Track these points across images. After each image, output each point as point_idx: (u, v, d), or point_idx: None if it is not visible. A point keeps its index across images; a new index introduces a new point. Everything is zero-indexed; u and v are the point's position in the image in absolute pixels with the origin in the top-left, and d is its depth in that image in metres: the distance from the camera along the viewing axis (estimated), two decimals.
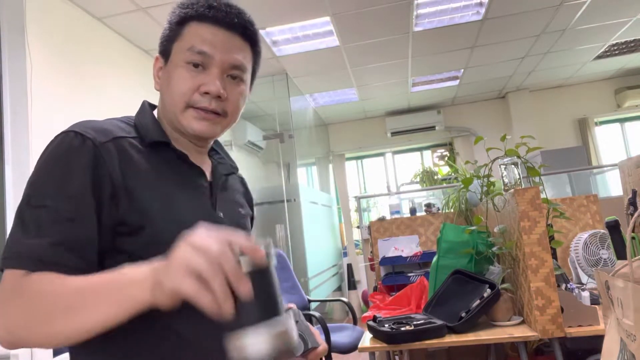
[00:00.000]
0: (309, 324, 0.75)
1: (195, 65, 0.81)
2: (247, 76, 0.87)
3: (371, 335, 1.82)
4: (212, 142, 0.94)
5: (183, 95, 0.80)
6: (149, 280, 0.60)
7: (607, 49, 4.92)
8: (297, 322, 0.73)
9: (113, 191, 0.72)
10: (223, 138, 4.85)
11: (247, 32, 0.85)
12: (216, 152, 0.99)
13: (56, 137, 0.75)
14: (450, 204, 2.92)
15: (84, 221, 0.69)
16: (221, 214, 0.86)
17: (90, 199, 0.70)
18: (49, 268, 0.66)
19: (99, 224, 0.71)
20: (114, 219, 0.72)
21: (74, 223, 0.69)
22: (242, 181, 1.07)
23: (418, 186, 6.17)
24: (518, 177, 1.95)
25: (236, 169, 1.01)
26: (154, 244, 0.71)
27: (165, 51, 0.85)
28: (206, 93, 0.80)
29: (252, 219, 1.05)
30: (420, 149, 6.90)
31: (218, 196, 0.87)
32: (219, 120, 0.84)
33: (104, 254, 0.72)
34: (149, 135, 0.82)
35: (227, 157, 1.01)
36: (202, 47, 0.80)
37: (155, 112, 0.90)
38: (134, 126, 0.84)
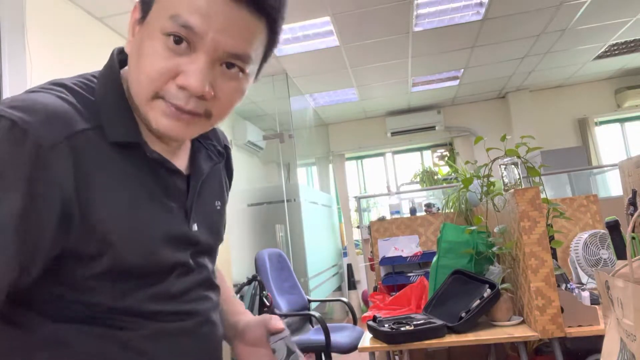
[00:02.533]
0: (300, 353, 0.75)
1: (177, 41, 0.57)
2: (252, 68, 0.63)
3: (371, 335, 1.82)
4: None
5: (151, 82, 0.58)
6: None
7: (607, 49, 4.92)
8: (293, 352, 0.73)
9: (63, 212, 0.54)
10: None
11: (264, 6, 0.59)
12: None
13: None
14: (450, 204, 2.92)
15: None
16: (195, 226, 0.70)
17: (21, 228, 0.51)
18: None
19: (32, 257, 0.53)
20: (61, 247, 0.55)
21: None
22: (226, 158, 0.85)
23: (418, 186, 6.17)
24: (518, 177, 1.95)
25: (224, 155, 0.81)
26: (113, 271, 0.59)
27: (146, 2, 0.60)
28: (183, 87, 0.58)
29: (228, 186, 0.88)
30: (420, 149, 6.90)
31: (195, 202, 0.70)
32: (197, 121, 0.61)
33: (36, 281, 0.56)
34: (113, 131, 0.60)
35: (216, 139, 0.81)
36: (190, 18, 0.55)
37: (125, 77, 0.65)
38: (93, 106, 0.60)
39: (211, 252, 0.76)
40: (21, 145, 0.51)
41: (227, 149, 0.84)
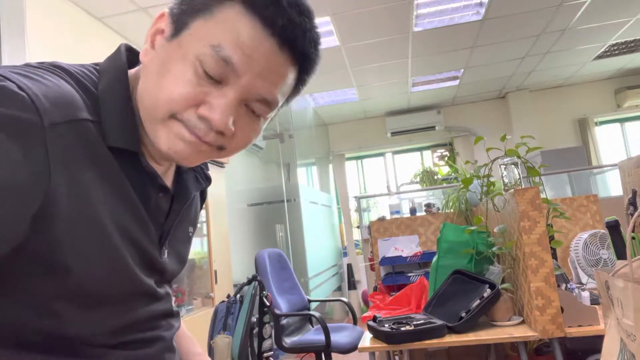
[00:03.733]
0: None
1: (209, 76, 0.54)
2: (274, 112, 0.61)
3: (371, 335, 1.82)
4: None
5: (171, 103, 0.54)
6: None
7: (607, 49, 4.92)
8: None
9: (42, 206, 0.48)
10: None
11: (305, 58, 0.57)
12: None
13: None
14: (450, 204, 2.92)
15: None
16: (166, 254, 0.66)
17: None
18: None
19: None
20: (23, 248, 0.48)
21: None
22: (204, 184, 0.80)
23: (418, 186, 6.17)
24: (518, 177, 1.95)
25: (210, 180, 0.77)
26: (74, 294, 0.53)
27: (181, 21, 0.55)
28: (205, 118, 0.55)
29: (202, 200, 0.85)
30: (420, 149, 6.90)
31: (173, 227, 0.66)
32: (210, 153, 0.59)
33: None
34: (113, 134, 0.55)
35: (204, 163, 0.76)
36: (233, 54, 0.52)
37: (132, 78, 0.61)
38: (96, 100, 0.56)
39: (171, 280, 0.73)
40: (19, 120, 0.45)
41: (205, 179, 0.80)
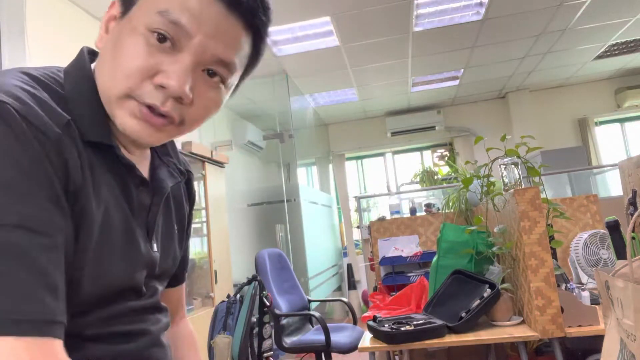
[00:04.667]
0: None
1: (162, 39, 0.54)
2: (234, 79, 0.61)
3: (371, 335, 1.82)
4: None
5: (127, 78, 0.54)
6: None
7: (607, 49, 4.92)
8: None
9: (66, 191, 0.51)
10: (223, 137, 4.86)
11: (255, 20, 0.58)
12: (164, 148, 0.74)
13: None
14: (450, 204, 2.92)
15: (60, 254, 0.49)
16: (155, 246, 0.66)
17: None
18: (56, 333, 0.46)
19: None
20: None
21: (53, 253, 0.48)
22: (188, 181, 0.81)
23: (418, 186, 6.17)
24: (518, 177, 1.95)
25: (185, 174, 0.75)
26: (70, 283, 0.52)
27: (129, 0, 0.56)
28: (162, 87, 0.54)
29: (189, 216, 0.83)
30: (420, 149, 6.90)
31: (156, 221, 0.66)
32: (168, 128, 0.58)
33: None
34: (88, 130, 0.55)
35: (177, 158, 0.76)
36: (181, 15, 0.53)
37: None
38: (65, 101, 0.55)
39: (162, 277, 0.71)
40: (28, 140, 0.47)
41: (189, 173, 0.80)
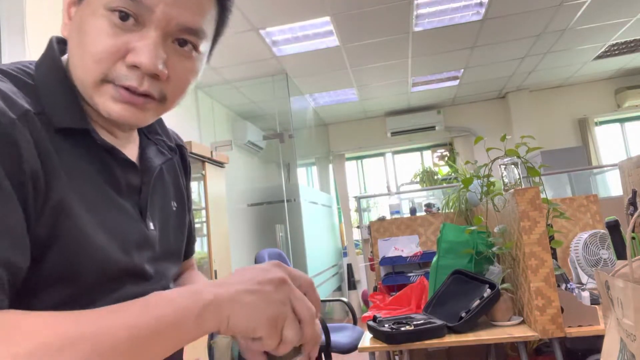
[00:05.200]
0: None
1: (124, 17, 0.52)
2: (206, 45, 0.60)
3: (371, 335, 1.82)
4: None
5: (98, 63, 0.53)
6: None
7: (607, 49, 4.92)
8: None
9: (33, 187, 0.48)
10: (223, 137, 4.86)
11: None
12: (152, 127, 0.72)
13: None
14: (450, 204, 2.92)
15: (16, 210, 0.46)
16: (151, 225, 0.64)
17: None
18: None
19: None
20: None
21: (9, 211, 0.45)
22: (181, 155, 0.80)
23: (418, 186, 6.17)
24: (518, 177, 1.95)
25: (175, 150, 0.74)
26: (54, 279, 0.50)
27: None
28: (135, 67, 0.53)
29: (187, 189, 0.82)
30: (420, 149, 6.90)
31: (149, 198, 0.64)
32: (151, 105, 0.57)
33: None
34: (58, 117, 0.54)
35: (166, 135, 0.74)
36: None
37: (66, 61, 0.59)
38: (33, 90, 0.54)
39: (171, 258, 0.69)
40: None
41: (181, 147, 0.79)
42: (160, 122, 0.74)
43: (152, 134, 0.71)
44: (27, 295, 0.49)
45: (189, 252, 0.84)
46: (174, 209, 0.72)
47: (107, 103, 0.55)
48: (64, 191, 0.51)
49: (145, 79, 0.54)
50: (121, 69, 0.53)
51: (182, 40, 0.56)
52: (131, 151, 0.66)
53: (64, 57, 0.61)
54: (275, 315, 0.48)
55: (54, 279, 0.51)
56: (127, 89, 0.54)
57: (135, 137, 0.68)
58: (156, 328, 0.43)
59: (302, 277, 0.54)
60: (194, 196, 3.74)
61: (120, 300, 0.54)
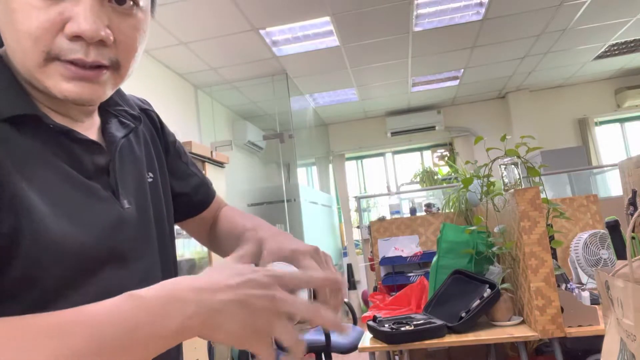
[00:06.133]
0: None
1: None
2: (144, 0, 0.55)
3: (371, 335, 1.82)
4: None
5: (36, 41, 0.49)
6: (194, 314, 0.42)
7: (607, 49, 4.92)
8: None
9: None
10: (223, 137, 4.86)
11: None
12: (110, 100, 0.66)
13: None
14: (450, 204, 2.92)
15: None
16: (126, 203, 0.59)
17: None
18: None
19: None
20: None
21: None
22: (149, 118, 0.74)
23: (418, 186, 6.17)
24: (518, 177, 1.95)
25: (140, 118, 0.68)
26: (28, 280, 0.47)
27: None
28: (77, 37, 0.49)
29: (172, 144, 0.79)
30: (420, 149, 6.90)
31: (118, 175, 0.60)
32: (105, 75, 0.53)
33: None
34: (3, 107, 0.50)
35: (128, 104, 0.69)
36: None
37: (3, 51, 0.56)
38: None
39: (156, 230, 0.65)
40: None
41: (146, 111, 0.73)
42: (119, 92, 0.67)
43: (112, 106, 0.65)
44: None
45: (205, 202, 0.82)
46: (150, 180, 0.68)
47: (59, 83, 0.51)
48: (16, 187, 0.47)
49: (91, 48, 0.50)
50: (62, 42, 0.49)
51: None
52: (92, 130, 0.62)
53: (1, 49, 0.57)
54: (261, 327, 0.44)
55: (21, 281, 0.47)
56: (74, 63, 0.50)
57: (96, 115, 0.63)
58: (129, 343, 0.40)
59: (287, 276, 0.49)
60: None
61: (101, 288, 0.51)
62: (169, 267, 0.69)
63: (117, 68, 0.54)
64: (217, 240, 0.82)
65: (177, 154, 0.79)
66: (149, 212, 0.65)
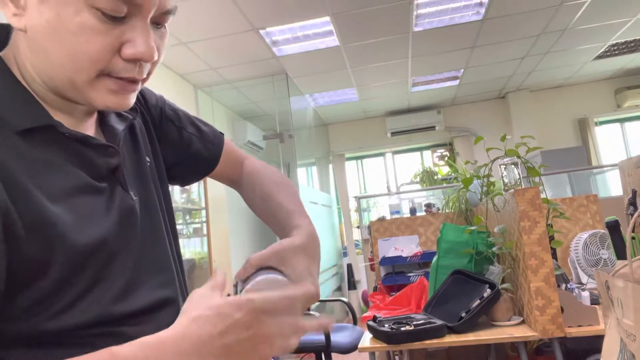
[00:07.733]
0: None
1: (114, 17, 0.51)
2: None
3: (371, 335, 1.82)
4: None
5: (96, 62, 0.51)
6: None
7: (607, 49, 4.92)
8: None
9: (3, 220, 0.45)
10: None
11: None
12: None
13: None
14: (450, 204, 2.92)
15: None
16: (132, 194, 0.62)
17: None
18: None
19: None
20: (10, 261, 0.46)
21: None
22: (143, 99, 0.76)
23: (418, 186, 6.17)
24: (518, 177, 1.95)
25: (137, 110, 0.70)
26: (66, 284, 0.49)
27: None
28: (135, 59, 0.53)
29: (166, 116, 0.79)
30: (420, 149, 6.90)
31: (125, 169, 0.63)
32: (139, 86, 0.58)
33: None
34: (18, 119, 0.51)
35: None
36: None
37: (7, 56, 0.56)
38: None
39: (161, 210, 0.68)
40: None
41: (138, 100, 0.74)
42: None
43: None
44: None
45: (214, 159, 0.83)
46: (149, 163, 0.70)
47: (104, 96, 0.54)
48: (38, 204, 0.48)
49: (144, 67, 0.56)
50: (117, 62, 0.53)
51: (160, 22, 0.57)
52: (91, 125, 0.63)
53: (5, 52, 0.57)
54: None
55: (58, 283, 0.49)
56: (124, 79, 0.54)
57: (94, 113, 0.65)
58: None
59: (268, 304, 0.50)
60: (194, 196, 3.74)
61: (114, 276, 0.54)
62: (173, 249, 0.70)
63: (146, 80, 0.59)
64: (253, 208, 0.86)
65: (169, 120, 0.79)
66: (152, 196, 0.67)
